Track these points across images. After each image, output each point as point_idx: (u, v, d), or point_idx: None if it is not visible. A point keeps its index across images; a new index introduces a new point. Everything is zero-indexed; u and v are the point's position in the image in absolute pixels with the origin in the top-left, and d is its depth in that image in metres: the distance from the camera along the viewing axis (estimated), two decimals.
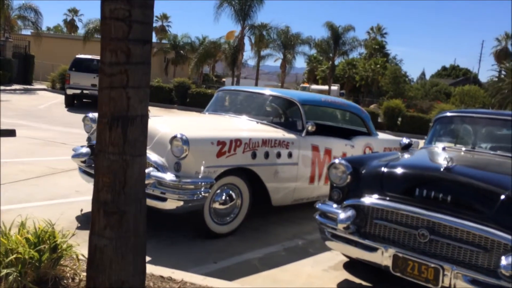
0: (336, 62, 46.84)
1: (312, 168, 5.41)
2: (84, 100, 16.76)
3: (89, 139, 5.21)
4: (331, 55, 45.42)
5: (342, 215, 3.60)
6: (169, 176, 4.20)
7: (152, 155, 4.37)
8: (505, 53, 63.33)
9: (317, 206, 3.97)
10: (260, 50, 41.48)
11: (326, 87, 43.60)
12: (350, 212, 3.60)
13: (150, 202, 4.27)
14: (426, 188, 3.38)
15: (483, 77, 71.59)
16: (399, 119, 18.58)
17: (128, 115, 2.62)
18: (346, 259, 4.34)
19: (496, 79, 63.75)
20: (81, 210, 4.05)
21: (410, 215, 3.37)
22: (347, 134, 6.33)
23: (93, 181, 2.72)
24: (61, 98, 18.70)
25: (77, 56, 16.73)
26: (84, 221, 4.80)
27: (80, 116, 15.48)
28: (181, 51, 46.68)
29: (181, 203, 4.20)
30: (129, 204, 2.68)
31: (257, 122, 5.42)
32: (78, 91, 15.81)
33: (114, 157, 2.62)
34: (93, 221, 2.72)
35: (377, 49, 53.25)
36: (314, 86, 46.31)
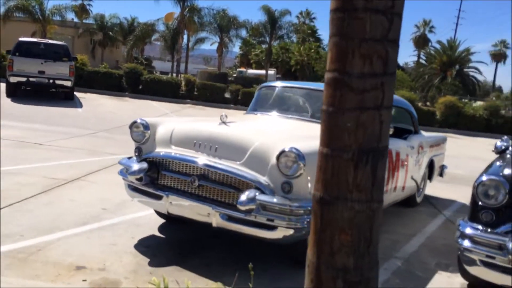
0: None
1: (387, 176, 4.85)
2: (27, 88, 14.87)
3: (139, 150, 4.23)
4: (267, 39, 45.11)
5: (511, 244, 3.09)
6: (279, 200, 3.43)
7: (248, 173, 3.57)
8: (423, 39, 66.81)
9: (460, 228, 3.43)
10: (190, 33, 40.21)
11: (263, 72, 43.28)
12: None
13: (251, 230, 3.54)
14: None
15: (400, 62, 74.81)
16: None
17: (379, 147, 1.88)
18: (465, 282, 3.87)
19: (414, 64, 67.15)
20: None
21: None
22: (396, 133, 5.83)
23: (312, 237, 1.95)
24: None
25: (21, 39, 14.70)
26: (152, 255, 3.87)
27: (29, 107, 13.80)
28: (110, 33, 43.99)
29: (291, 231, 3.46)
30: (372, 268, 1.95)
31: None
32: (24, 79, 13.91)
33: (360, 206, 1.88)
34: None
35: (310, 34, 53.76)
36: (251, 71, 45.77)
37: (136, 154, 4.26)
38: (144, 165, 4.00)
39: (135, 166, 3.99)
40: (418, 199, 6.41)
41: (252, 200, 3.39)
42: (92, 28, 44.60)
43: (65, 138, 8.95)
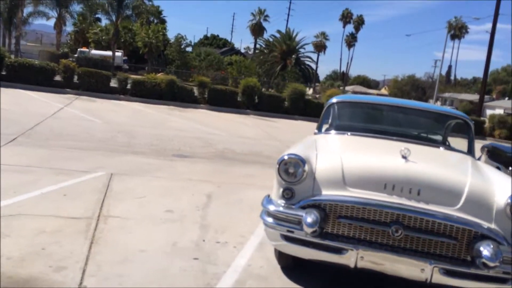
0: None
1: None
2: None
3: (291, 192, 3.38)
4: (114, 17, 42.22)
5: None
6: None
7: (474, 221, 3.12)
8: (259, 27, 70.12)
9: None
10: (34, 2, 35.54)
11: (109, 53, 40.23)
12: None
13: (480, 285, 3.13)
14: None
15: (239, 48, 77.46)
16: (256, 97, 18.47)
17: None
18: None
19: (251, 51, 70.10)
20: None
21: None
22: None
23: None
24: None
25: None
26: None
27: None
28: None
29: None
30: None
31: (445, 149, 4.46)
32: None
33: None
34: None
35: (155, 14, 51.80)
36: (95, 51, 42.00)
37: (287, 196, 3.41)
38: (316, 214, 3.21)
39: (309, 218, 3.18)
40: None
41: (498, 254, 2.98)
42: None
43: None
